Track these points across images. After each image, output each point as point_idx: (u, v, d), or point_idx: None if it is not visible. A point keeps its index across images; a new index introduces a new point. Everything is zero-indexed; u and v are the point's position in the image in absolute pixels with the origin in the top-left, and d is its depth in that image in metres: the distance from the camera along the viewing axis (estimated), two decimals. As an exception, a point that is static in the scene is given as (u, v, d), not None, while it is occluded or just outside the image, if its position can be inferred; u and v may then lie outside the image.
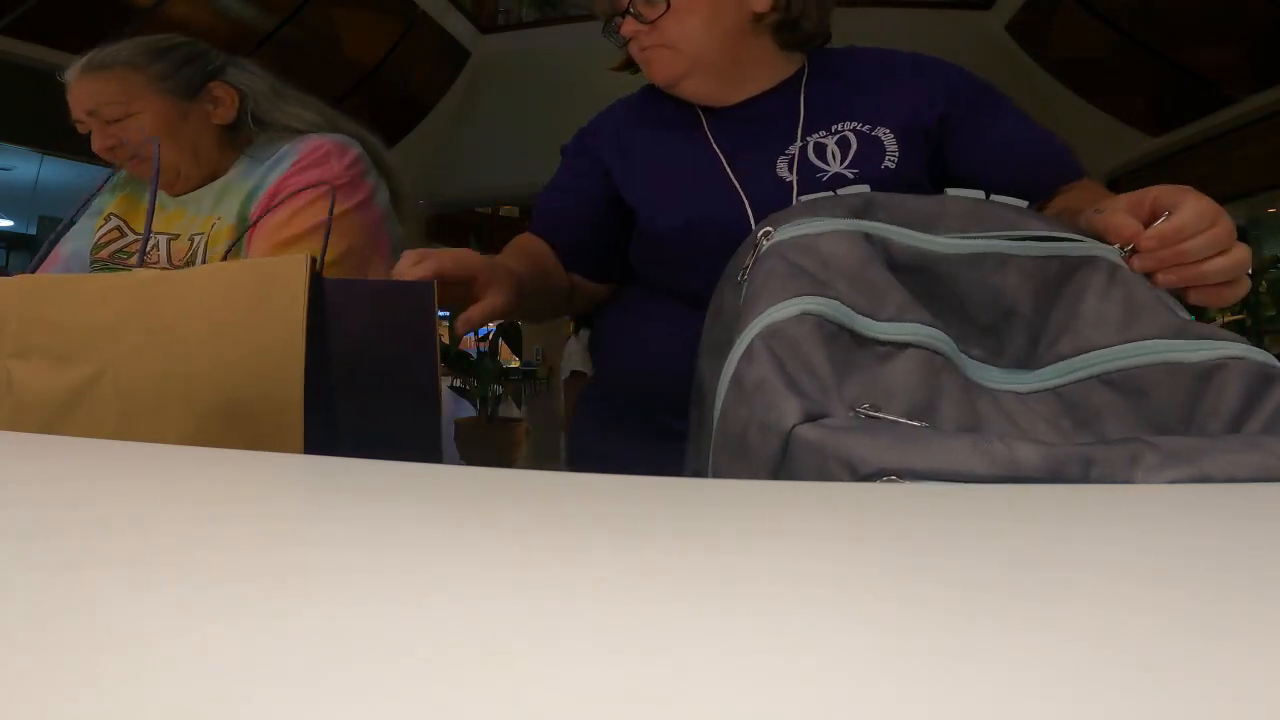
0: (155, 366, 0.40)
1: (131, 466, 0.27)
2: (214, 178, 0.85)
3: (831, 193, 0.43)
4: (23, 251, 4.20)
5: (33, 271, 0.92)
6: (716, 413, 0.35)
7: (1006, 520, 0.19)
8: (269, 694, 0.09)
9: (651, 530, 0.18)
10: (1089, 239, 0.37)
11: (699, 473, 0.41)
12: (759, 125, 0.67)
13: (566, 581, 0.13)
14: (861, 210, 0.40)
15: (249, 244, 0.78)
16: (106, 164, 0.88)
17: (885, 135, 0.64)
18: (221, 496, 0.22)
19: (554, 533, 0.17)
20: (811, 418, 0.28)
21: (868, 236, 0.38)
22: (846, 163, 0.64)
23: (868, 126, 0.65)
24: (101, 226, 0.87)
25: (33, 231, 4.04)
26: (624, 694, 0.09)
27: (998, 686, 0.09)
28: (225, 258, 0.77)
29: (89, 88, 0.80)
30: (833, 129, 0.66)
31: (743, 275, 0.40)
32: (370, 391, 0.40)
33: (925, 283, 0.38)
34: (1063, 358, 0.35)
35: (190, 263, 0.81)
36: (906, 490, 0.23)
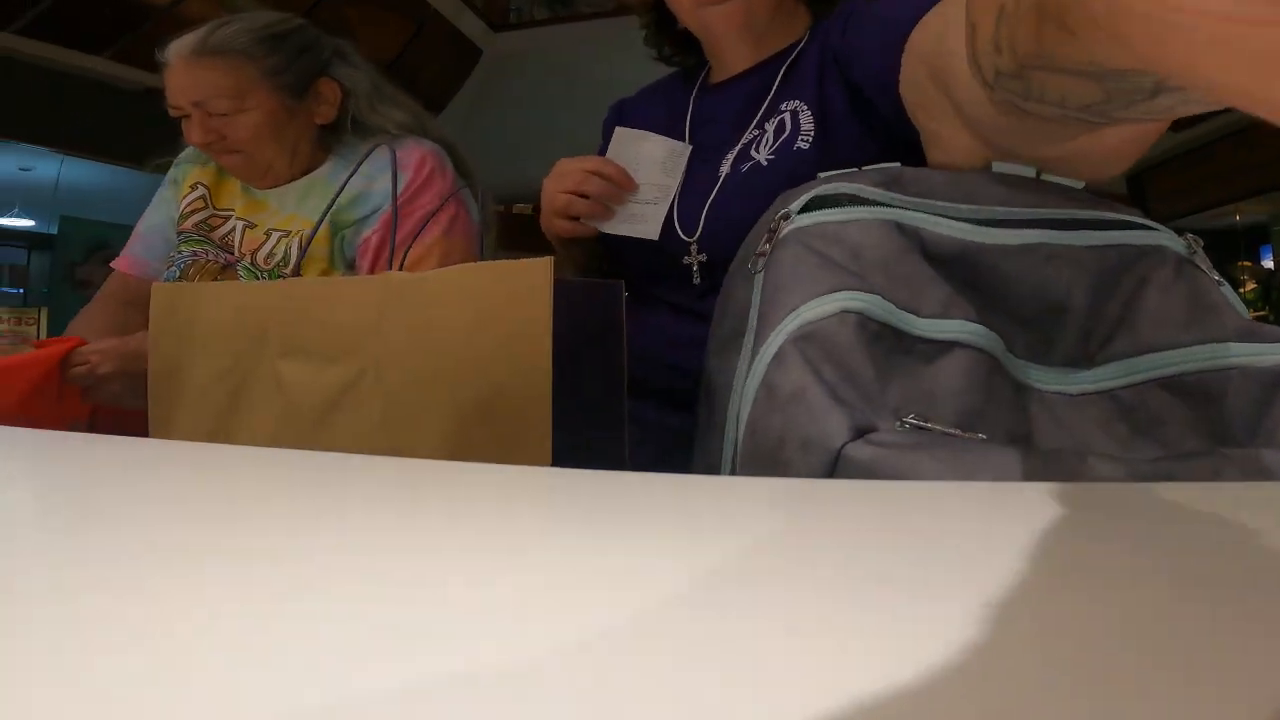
0: (418, 364, 0.42)
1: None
2: (301, 175, 0.84)
3: (856, 168, 0.41)
4: (45, 251, 4.24)
5: (118, 253, 0.93)
6: (742, 422, 0.33)
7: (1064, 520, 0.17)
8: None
9: (698, 532, 0.16)
10: (1154, 226, 0.35)
11: (710, 472, 0.39)
12: (731, 109, 0.64)
13: (609, 581, 0.12)
14: (888, 187, 0.37)
15: (375, 266, 0.77)
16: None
17: (804, 112, 0.58)
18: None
19: (611, 532, 0.16)
20: (860, 433, 0.26)
21: (899, 226, 0.36)
22: (771, 148, 0.58)
23: (800, 103, 0.59)
24: (188, 195, 0.86)
25: (54, 231, 4.09)
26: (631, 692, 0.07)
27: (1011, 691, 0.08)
28: (298, 263, 0.78)
29: (200, 76, 0.76)
30: (781, 108, 0.60)
31: (756, 265, 0.38)
32: (562, 389, 0.41)
33: (964, 274, 0.36)
34: (1119, 358, 0.33)
35: (276, 257, 0.80)
36: (953, 489, 0.22)
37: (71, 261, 3.77)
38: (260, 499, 0.22)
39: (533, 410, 0.40)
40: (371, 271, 0.79)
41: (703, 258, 0.60)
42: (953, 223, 0.37)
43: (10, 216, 4.49)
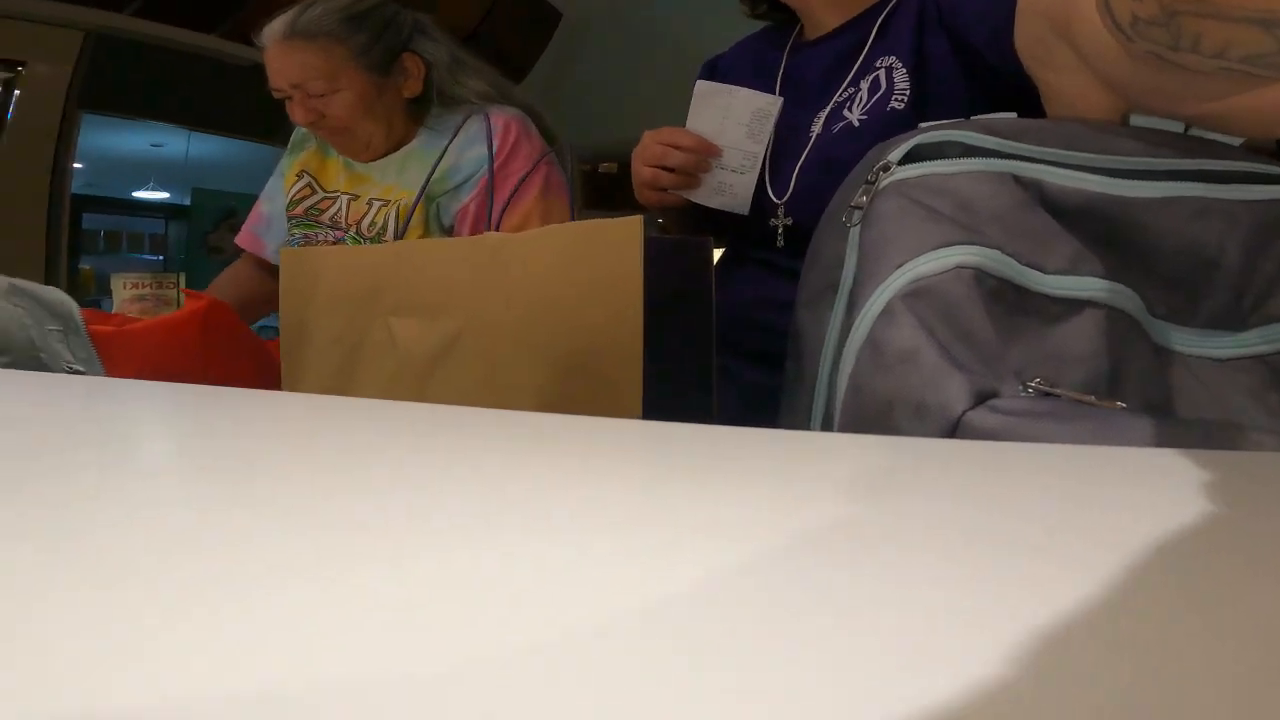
0: (513, 321, 0.44)
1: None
2: (398, 147, 0.88)
3: (963, 118, 0.38)
4: (180, 220, 4.64)
5: (239, 229, 1.02)
6: (841, 379, 0.32)
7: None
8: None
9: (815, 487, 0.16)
10: None
11: (796, 428, 0.38)
12: (823, 66, 0.61)
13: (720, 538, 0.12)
14: (1002, 137, 0.34)
15: (475, 232, 0.81)
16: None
17: (898, 69, 0.55)
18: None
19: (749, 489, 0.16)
20: (981, 398, 0.25)
21: (1016, 178, 0.33)
22: (864, 108, 0.56)
23: (895, 59, 0.56)
24: (294, 184, 0.92)
25: (187, 202, 4.46)
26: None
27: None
28: (400, 231, 0.83)
29: (294, 59, 0.81)
30: (875, 65, 0.58)
31: (852, 217, 0.36)
32: (653, 344, 0.42)
33: (1094, 229, 0.33)
34: (1275, 320, 0.29)
35: (376, 225, 0.86)
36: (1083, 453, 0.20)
37: (204, 230, 4.13)
38: (376, 447, 0.23)
39: (624, 365, 0.40)
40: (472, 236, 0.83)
41: (789, 221, 0.60)
42: (1080, 174, 0.34)
43: (147, 190, 4.93)
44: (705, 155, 0.61)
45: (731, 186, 0.61)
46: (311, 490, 0.17)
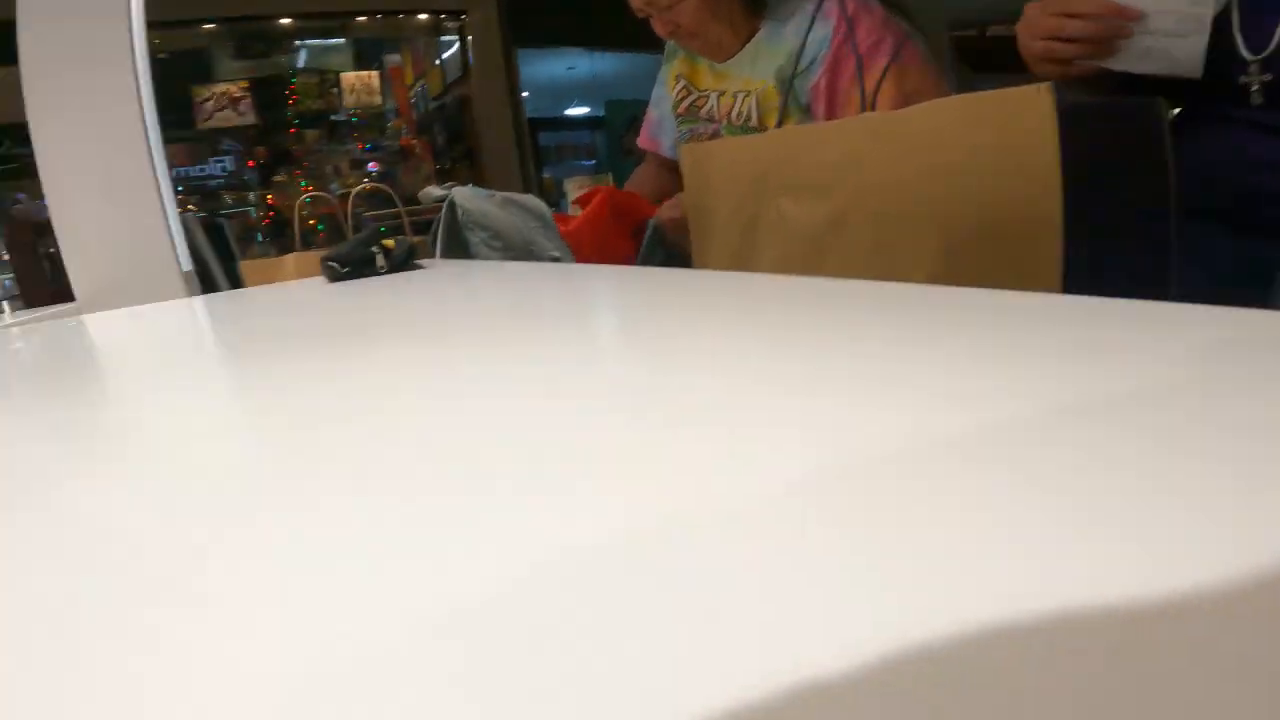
0: (905, 195, 0.46)
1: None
2: (745, 43, 0.99)
3: None
4: (601, 130, 5.53)
5: (639, 134, 1.27)
6: None
7: None
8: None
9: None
10: None
11: None
12: None
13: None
14: None
15: (830, 106, 0.88)
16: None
17: None
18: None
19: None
20: None
21: None
22: None
23: None
24: (674, 87, 1.10)
25: (602, 114, 5.26)
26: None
27: None
28: (779, 120, 0.91)
29: None
30: None
31: None
32: (1088, 217, 0.41)
33: None
34: None
35: (743, 114, 0.98)
36: None
37: (618, 135, 4.86)
38: (766, 316, 0.29)
39: (1038, 240, 0.39)
40: (828, 111, 0.88)
41: (1267, 77, 0.50)
42: None
43: (574, 107, 5.94)
44: (1120, 21, 0.50)
45: (1168, 50, 0.50)
46: (714, 348, 0.24)
